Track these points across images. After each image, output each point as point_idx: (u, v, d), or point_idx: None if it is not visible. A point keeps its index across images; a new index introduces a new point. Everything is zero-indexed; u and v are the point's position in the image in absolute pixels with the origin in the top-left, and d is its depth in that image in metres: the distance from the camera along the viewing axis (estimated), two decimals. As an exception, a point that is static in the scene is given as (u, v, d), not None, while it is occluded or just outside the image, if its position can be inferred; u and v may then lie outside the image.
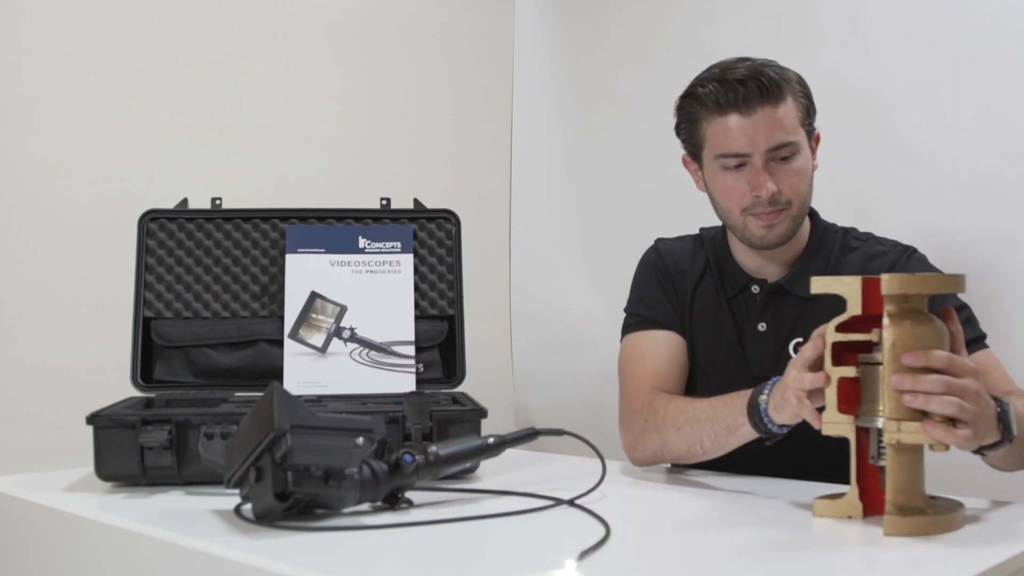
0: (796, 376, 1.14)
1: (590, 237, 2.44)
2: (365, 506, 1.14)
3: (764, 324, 1.51)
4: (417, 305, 1.63)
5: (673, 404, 1.41)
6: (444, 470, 1.19)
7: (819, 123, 1.50)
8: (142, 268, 1.60)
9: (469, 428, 1.38)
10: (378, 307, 1.60)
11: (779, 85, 1.40)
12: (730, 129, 1.41)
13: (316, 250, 1.63)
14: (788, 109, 1.41)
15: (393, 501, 1.14)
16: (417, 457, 1.15)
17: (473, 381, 1.63)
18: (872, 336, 1.08)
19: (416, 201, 1.70)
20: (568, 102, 2.51)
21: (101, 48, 1.98)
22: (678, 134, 1.52)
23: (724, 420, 1.30)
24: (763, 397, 1.23)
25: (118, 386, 1.56)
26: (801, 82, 1.46)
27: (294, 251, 1.63)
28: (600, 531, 1.04)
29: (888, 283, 1.05)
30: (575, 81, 2.50)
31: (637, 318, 1.59)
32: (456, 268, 1.67)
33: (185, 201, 1.66)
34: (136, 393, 1.56)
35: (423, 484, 1.18)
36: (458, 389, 1.61)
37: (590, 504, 1.17)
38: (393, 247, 1.64)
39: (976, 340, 1.42)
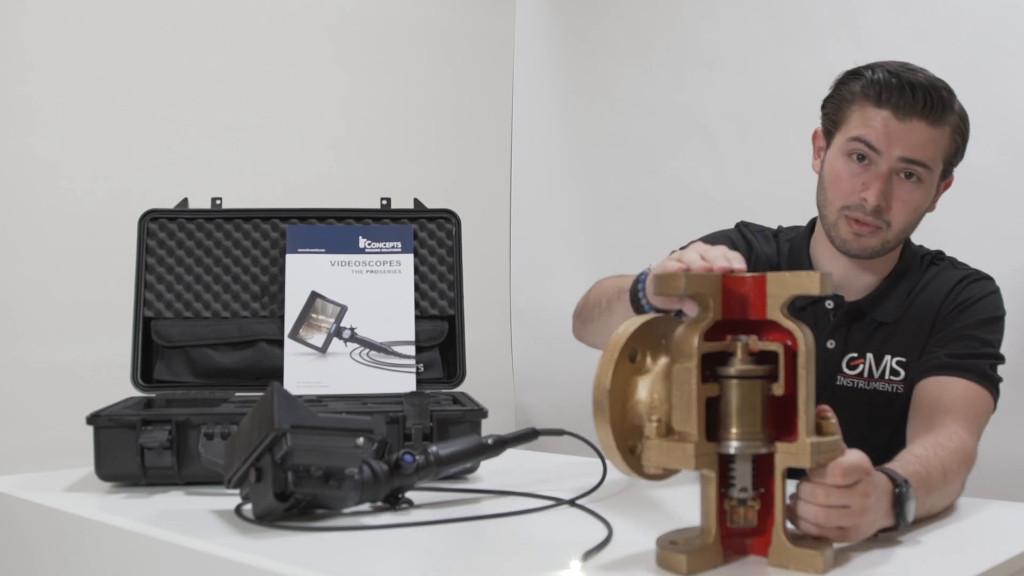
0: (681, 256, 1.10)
1: (590, 237, 2.44)
2: (365, 506, 1.14)
3: (833, 342, 1.44)
4: (417, 305, 1.63)
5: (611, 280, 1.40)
6: (444, 470, 1.19)
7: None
8: (142, 268, 1.60)
9: (469, 428, 1.38)
10: (378, 307, 1.60)
11: (944, 110, 1.35)
12: (877, 121, 1.35)
13: (316, 250, 1.63)
14: (940, 136, 1.36)
15: (393, 501, 1.14)
16: (417, 457, 1.15)
17: (473, 381, 1.63)
18: (728, 346, 0.93)
19: (416, 201, 1.70)
20: (568, 102, 2.51)
21: (102, 48, 1.98)
22: (824, 106, 1.45)
23: (620, 284, 1.28)
24: (651, 265, 1.20)
25: (118, 386, 1.56)
26: (964, 120, 1.39)
27: (294, 251, 1.63)
28: (602, 531, 1.04)
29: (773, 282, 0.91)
30: (575, 81, 2.50)
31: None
32: (456, 268, 1.67)
33: (185, 201, 1.66)
34: (136, 393, 1.56)
35: (423, 484, 1.18)
36: (458, 389, 1.61)
37: (591, 504, 1.17)
38: (393, 247, 1.64)
39: (966, 371, 1.34)
